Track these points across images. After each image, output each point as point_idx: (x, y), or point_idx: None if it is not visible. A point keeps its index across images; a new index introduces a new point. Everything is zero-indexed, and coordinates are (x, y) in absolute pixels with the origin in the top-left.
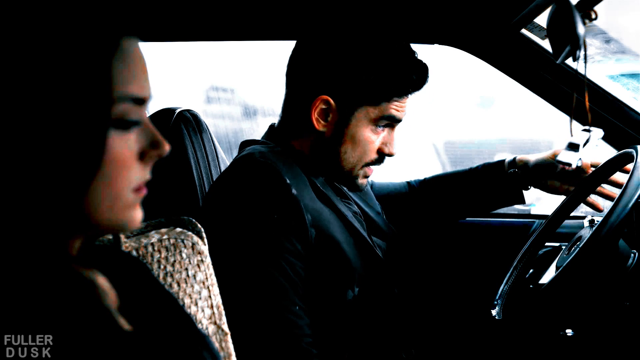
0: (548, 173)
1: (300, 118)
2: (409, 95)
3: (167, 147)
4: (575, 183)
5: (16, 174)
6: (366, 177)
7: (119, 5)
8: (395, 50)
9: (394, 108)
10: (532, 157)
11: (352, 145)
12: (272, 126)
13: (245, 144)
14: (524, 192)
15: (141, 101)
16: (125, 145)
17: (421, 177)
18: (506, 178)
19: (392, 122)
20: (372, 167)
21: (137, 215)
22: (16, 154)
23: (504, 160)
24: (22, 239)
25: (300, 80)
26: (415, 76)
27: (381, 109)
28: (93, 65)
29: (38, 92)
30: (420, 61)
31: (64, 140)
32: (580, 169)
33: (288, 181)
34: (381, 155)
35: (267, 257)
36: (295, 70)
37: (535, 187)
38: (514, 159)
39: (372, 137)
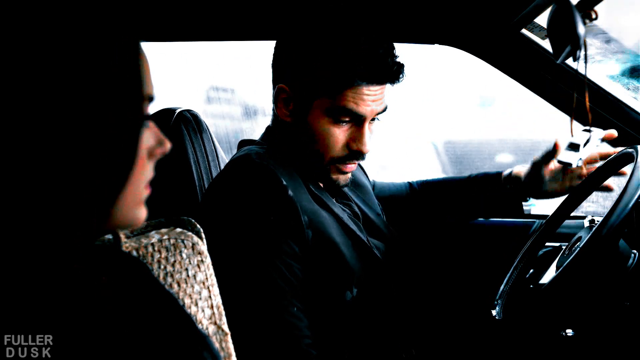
0: (538, 180)
1: (274, 111)
2: (378, 87)
3: (169, 145)
4: (568, 179)
5: (58, 174)
6: (342, 173)
7: (129, 7)
8: (345, 41)
9: (350, 100)
10: (523, 171)
11: (313, 136)
12: (268, 127)
13: (243, 143)
14: (523, 203)
15: (151, 100)
16: (143, 143)
17: (422, 179)
18: (502, 191)
19: (351, 115)
20: (347, 164)
21: (144, 212)
22: (60, 154)
23: (501, 173)
24: (30, 239)
25: (272, 73)
26: (363, 67)
27: (335, 100)
28: (130, 66)
29: (83, 93)
30: (375, 52)
31: (107, 138)
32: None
33: (285, 182)
34: (352, 152)
35: (264, 259)
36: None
37: (535, 197)
38: (510, 173)
39: (333, 131)
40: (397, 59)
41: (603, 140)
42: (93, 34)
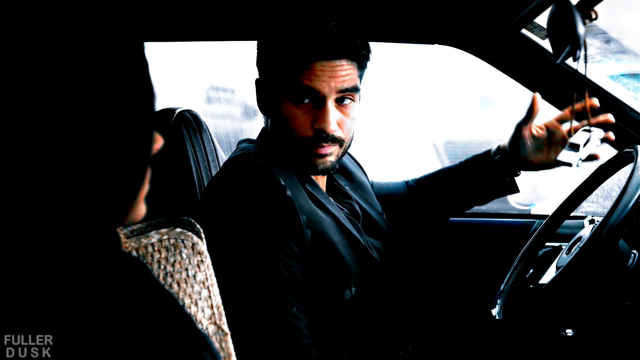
0: (520, 144)
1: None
2: (338, 62)
3: (162, 141)
4: (553, 150)
5: (78, 175)
6: (320, 156)
7: (129, 7)
8: (295, 23)
9: (305, 78)
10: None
11: (283, 122)
12: (263, 128)
13: (240, 143)
14: (516, 178)
15: None
16: None
17: (417, 176)
18: (493, 166)
19: (308, 93)
20: (318, 147)
21: (144, 208)
22: (80, 155)
23: (490, 150)
24: (40, 239)
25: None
26: (310, 42)
27: (294, 80)
28: (141, 66)
29: (99, 93)
30: (322, 26)
31: (127, 137)
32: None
33: (282, 182)
34: (317, 132)
35: (263, 259)
36: None
37: (524, 169)
38: (498, 146)
39: (297, 112)
40: (353, 33)
41: (603, 140)
42: (106, 35)
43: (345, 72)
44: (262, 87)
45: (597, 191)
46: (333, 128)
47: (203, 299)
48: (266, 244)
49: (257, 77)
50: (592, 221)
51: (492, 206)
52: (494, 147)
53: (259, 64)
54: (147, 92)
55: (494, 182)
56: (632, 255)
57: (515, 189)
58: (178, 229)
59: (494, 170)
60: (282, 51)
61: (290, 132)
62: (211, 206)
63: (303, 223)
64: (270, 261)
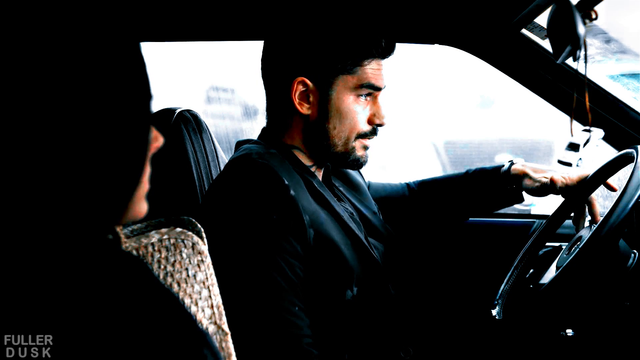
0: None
1: (284, 110)
2: (382, 62)
3: (162, 139)
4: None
5: (76, 174)
6: (365, 148)
7: (129, 7)
8: (353, 16)
9: (370, 73)
10: (527, 172)
11: (339, 119)
12: (263, 129)
13: (240, 144)
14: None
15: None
16: None
17: (419, 179)
18: (504, 191)
19: (371, 89)
20: (368, 139)
21: (146, 206)
22: (77, 154)
23: (499, 169)
24: (40, 239)
25: (274, 74)
26: (378, 36)
27: (358, 76)
28: (138, 65)
29: (93, 94)
30: (380, 27)
31: (123, 136)
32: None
33: (286, 182)
34: (374, 126)
35: (266, 258)
36: (268, 67)
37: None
38: (509, 170)
39: (357, 108)
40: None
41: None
42: (103, 36)
43: (384, 70)
44: (308, 87)
45: (597, 191)
46: (387, 120)
47: (203, 298)
48: (269, 243)
49: (297, 77)
50: (592, 221)
51: None
52: (504, 168)
53: (301, 64)
54: (144, 91)
55: (501, 197)
56: (632, 255)
57: (520, 199)
58: (178, 229)
59: (502, 191)
60: (347, 43)
61: (350, 126)
62: (214, 205)
63: (306, 222)
64: (272, 259)
